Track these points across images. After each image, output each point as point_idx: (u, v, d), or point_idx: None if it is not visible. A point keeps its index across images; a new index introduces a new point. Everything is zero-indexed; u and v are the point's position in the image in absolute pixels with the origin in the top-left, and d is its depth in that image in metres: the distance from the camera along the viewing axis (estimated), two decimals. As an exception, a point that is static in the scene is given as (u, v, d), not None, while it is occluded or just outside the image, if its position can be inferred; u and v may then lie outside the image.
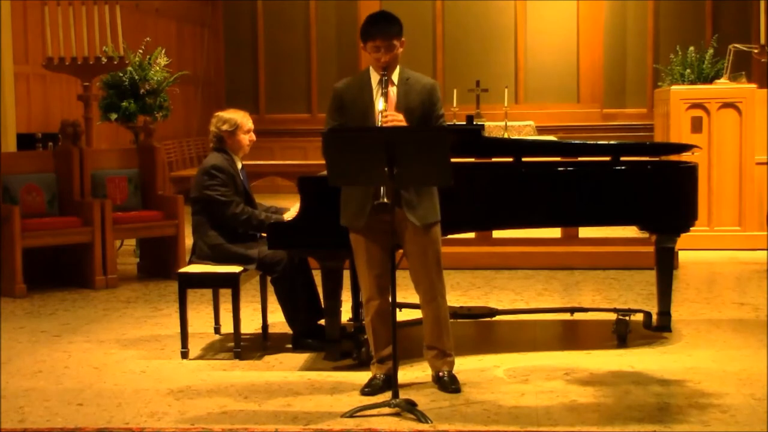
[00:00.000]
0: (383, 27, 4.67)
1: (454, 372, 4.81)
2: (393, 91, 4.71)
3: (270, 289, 5.79)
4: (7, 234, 7.33)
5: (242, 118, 5.71)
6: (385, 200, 4.35)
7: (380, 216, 4.52)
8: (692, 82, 9.99)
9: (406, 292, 6.02)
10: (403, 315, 5.62)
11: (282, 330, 5.85)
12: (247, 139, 5.72)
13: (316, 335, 5.56)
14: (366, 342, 5.13)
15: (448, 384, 4.73)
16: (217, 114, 5.79)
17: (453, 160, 4.39)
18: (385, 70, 4.66)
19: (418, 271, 4.74)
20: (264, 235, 5.51)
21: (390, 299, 4.57)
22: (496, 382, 4.90)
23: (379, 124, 4.56)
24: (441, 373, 4.79)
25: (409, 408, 4.36)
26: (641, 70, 15.15)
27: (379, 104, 4.61)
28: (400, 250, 4.82)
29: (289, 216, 5.45)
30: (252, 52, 15.82)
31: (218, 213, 5.56)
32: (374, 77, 4.71)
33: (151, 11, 13.53)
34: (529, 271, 7.94)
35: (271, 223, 5.34)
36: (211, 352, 5.63)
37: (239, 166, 5.72)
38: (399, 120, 4.56)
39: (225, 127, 5.68)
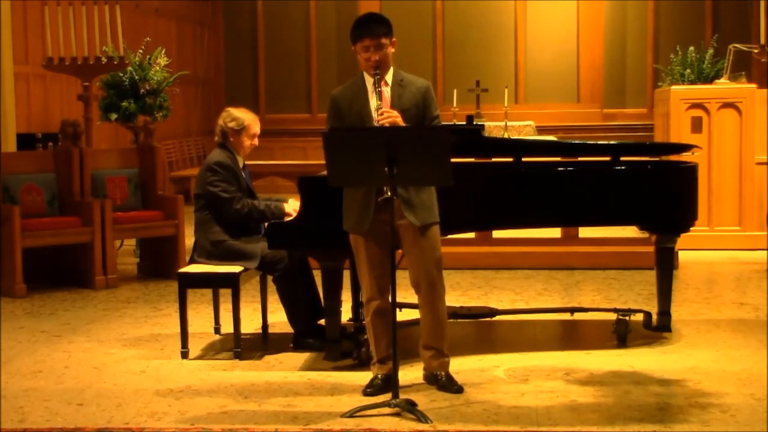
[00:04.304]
0: (370, 26, 4.70)
1: (451, 372, 4.82)
2: (387, 91, 4.72)
3: (270, 289, 5.79)
4: (7, 234, 7.33)
5: (251, 121, 5.69)
6: (389, 194, 4.36)
7: (381, 217, 4.53)
8: (692, 82, 9.99)
9: (406, 292, 6.03)
10: (403, 315, 5.62)
11: (282, 330, 5.86)
12: (249, 142, 5.71)
13: (317, 335, 5.56)
14: (366, 342, 5.13)
15: (449, 385, 4.73)
16: (228, 109, 5.77)
17: (453, 160, 4.40)
18: (377, 70, 4.67)
19: (417, 271, 4.74)
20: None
21: (390, 299, 4.58)
22: (496, 382, 4.90)
23: (376, 121, 4.57)
24: (438, 375, 4.79)
25: (409, 408, 4.36)
26: (641, 70, 15.15)
27: (374, 102, 4.63)
28: (400, 251, 4.83)
29: (288, 208, 5.44)
30: (252, 52, 15.81)
31: (221, 209, 5.56)
32: (368, 80, 4.73)
33: (151, 11, 13.53)
34: (529, 271, 7.94)
35: (272, 223, 5.34)
36: (211, 352, 5.63)
37: (241, 164, 5.72)
38: (395, 116, 4.57)
39: (232, 125, 5.66)
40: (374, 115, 4.62)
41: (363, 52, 4.71)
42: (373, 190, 4.60)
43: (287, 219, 5.38)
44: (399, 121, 4.57)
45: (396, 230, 4.65)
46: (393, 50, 4.76)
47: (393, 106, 4.67)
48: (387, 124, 4.53)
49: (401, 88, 4.73)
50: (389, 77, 4.75)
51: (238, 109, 5.75)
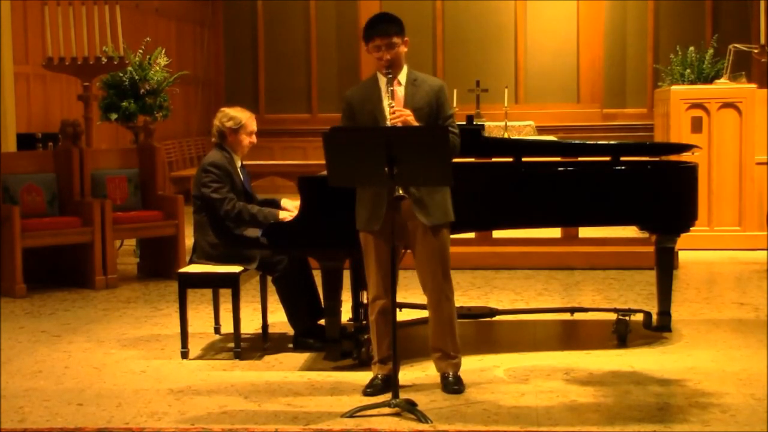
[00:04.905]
0: (381, 26, 4.72)
1: (459, 373, 4.81)
2: (400, 90, 4.73)
3: (270, 289, 5.78)
4: (7, 234, 7.33)
5: (248, 119, 5.69)
6: (401, 192, 4.36)
7: (391, 216, 4.53)
8: (692, 82, 9.99)
9: (407, 292, 6.04)
10: (403, 315, 5.62)
11: (282, 330, 5.86)
12: (247, 140, 5.69)
13: (317, 335, 5.56)
14: (366, 342, 5.13)
15: (451, 384, 4.73)
16: (223, 109, 5.76)
17: (453, 160, 4.39)
18: (389, 69, 4.67)
19: (425, 272, 4.74)
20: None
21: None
22: (496, 382, 4.90)
23: (389, 119, 4.56)
24: (446, 374, 4.79)
25: (409, 408, 4.36)
26: (641, 70, 15.15)
27: (387, 101, 4.63)
28: (403, 250, 4.82)
29: (283, 215, 5.42)
30: (252, 52, 15.82)
31: (213, 210, 5.53)
32: (382, 80, 4.73)
33: (151, 11, 13.53)
34: (529, 271, 7.94)
35: (272, 223, 5.33)
36: (211, 352, 5.63)
37: (238, 164, 5.71)
38: (407, 114, 4.57)
39: (229, 124, 5.65)
40: (387, 114, 4.61)
41: (375, 52, 4.72)
42: (385, 190, 4.59)
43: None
44: (411, 119, 4.57)
45: (406, 230, 4.66)
46: (405, 49, 4.77)
47: (406, 105, 4.67)
48: (399, 123, 4.53)
49: (414, 87, 4.73)
50: (402, 76, 4.75)
51: (233, 108, 5.74)
